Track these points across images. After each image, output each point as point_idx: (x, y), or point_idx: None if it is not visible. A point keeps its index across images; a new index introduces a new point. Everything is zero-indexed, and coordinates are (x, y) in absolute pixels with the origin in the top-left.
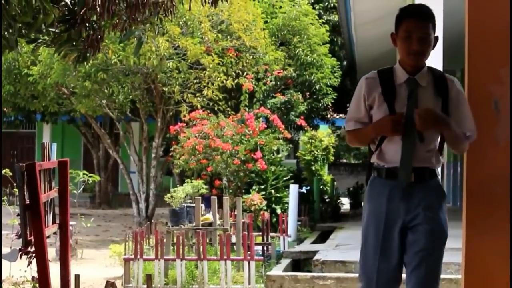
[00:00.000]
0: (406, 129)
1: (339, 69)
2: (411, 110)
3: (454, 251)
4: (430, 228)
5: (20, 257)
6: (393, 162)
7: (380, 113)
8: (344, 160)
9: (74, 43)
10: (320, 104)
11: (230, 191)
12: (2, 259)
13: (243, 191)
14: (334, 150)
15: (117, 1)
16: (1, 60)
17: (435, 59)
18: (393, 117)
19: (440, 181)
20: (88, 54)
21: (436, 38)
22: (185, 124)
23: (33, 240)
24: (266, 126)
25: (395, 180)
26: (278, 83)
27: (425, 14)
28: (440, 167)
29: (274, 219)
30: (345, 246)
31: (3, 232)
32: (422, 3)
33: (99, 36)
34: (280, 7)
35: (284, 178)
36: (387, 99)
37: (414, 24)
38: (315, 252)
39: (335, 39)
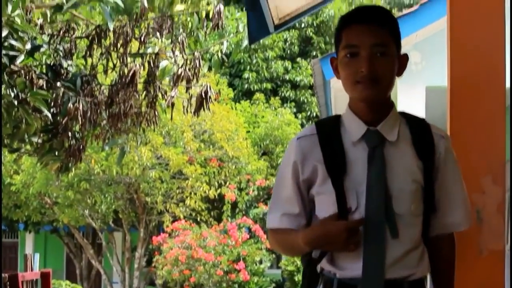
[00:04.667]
0: (369, 218)
1: None
2: (375, 183)
3: None
4: None
5: None
6: (350, 269)
7: (323, 196)
8: None
9: (56, 153)
10: None
11: None
12: None
13: None
14: None
15: (99, 111)
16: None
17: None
18: (346, 226)
19: None
20: (70, 164)
21: (404, 58)
22: (168, 235)
23: None
24: (248, 236)
25: None
26: (261, 193)
27: (378, 15)
28: (428, 273)
29: None
30: None
31: None
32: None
33: (81, 146)
34: (263, 116)
35: None
36: (332, 171)
37: (359, 32)
38: None
39: None
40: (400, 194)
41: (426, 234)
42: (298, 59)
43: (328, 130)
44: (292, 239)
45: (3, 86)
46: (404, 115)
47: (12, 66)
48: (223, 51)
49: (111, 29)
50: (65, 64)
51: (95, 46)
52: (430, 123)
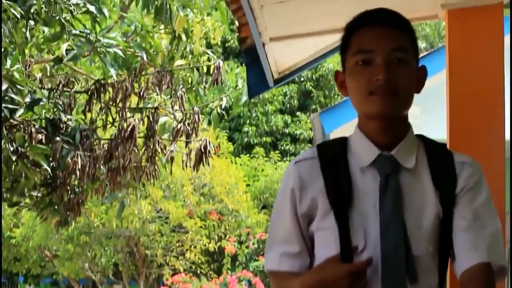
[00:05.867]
0: (387, 261)
1: None
2: (391, 218)
3: None
4: None
5: None
6: None
7: (325, 233)
8: None
9: (55, 207)
10: None
11: None
12: None
13: None
14: None
15: (98, 165)
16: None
17: None
18: (348, 270)
19: None
20: (69, 218)
21: (423, 72)
22: None
23: None
24: None
25: None
26: (261, 246)
27: (396, 18)
28: None
29: None
30: None
31: None
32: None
33: (81, 200)
34: (262, 170)
35: None
36: (335, 202)
37: (374, 35)
38: None
39: None
40: (417, 231)
41: (443, 280)
42: (298, 113)
43: (332, 153)
44: (292, 283)
45: (3, 140)
46: (423, 138)
47: (11, 120)
48: (223, 106)
49: (114, 77)
50: (64, 118)
51: (94, 101)
52: (454, 151)
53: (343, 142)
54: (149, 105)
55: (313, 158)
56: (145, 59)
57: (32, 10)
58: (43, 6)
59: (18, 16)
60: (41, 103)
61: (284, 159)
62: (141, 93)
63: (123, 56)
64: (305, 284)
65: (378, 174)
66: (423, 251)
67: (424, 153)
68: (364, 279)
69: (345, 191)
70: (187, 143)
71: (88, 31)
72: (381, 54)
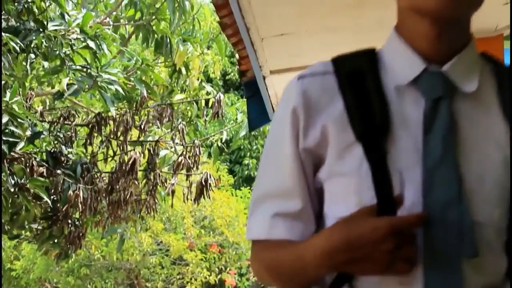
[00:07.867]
0: (431, 231)
1: None
2: (439, 162)
3: None
4: None
5: None
6: None
7: (343, 180)
8: None
9: (56, 240)
10: None
11: None
12: None
13: None
14: None
15: (99, 199)
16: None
17: None
18: (392, 225)
19: None
20: (69, 251)
21: None
22: None
23: None
24: None
25: None
26: None
27: None
28: None
29: None
30: None
31: None
32: None
33: (81, 233)
34: None
35: None
36: (366, 132)
37: None
38: None
39: None
40: (478, 186)
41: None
42: None
43: (355, 65)
44: (294, 255)
45: (3, 174)
46: (489, 58)
47: (12, 153)
48: (223, 139)
49: (114, 114)
50: (65, 151)
51: (95, 134)
52: None
53: (370, 53)
54: (150, 138)
55: (326, 74)
56: (145, 94)
57: (32, 45)
58: (43, 41)
59: (18, 49)
60: (42, 136)
61: None
62: (142, 127)
63: (123, 93)
64: (326, 245)
65: (422, 98)
66: (486, 216)
67: (491, 76)
68: (413, 245)
69: (379, 115)
70: (187, 176)
71: (89, 66)
72: None
